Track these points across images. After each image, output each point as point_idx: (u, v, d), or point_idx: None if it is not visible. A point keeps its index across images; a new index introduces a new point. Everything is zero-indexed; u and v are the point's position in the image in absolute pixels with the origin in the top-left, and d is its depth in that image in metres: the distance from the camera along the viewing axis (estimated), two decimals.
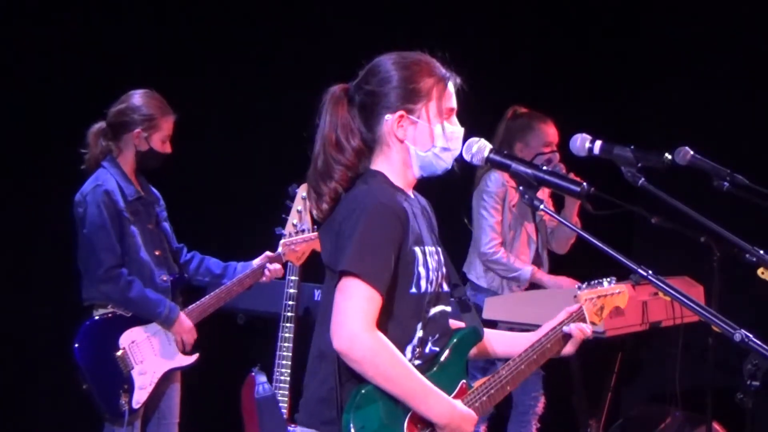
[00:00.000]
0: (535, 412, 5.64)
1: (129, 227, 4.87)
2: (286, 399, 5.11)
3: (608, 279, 3.37)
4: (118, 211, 4.84)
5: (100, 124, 4.97)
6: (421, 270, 2.88)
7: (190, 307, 5.00)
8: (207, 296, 5.04)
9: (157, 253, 4.96)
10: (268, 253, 5.12)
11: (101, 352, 4.83)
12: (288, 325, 5.11)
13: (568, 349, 3.21)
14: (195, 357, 5.03)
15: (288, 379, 5.09)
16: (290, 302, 5.14)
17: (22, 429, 6.07)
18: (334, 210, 2.89)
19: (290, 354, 5.08)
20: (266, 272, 5.08)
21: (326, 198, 2.90)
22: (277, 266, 5.11)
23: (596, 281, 3.36)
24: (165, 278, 4.96)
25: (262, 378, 5.17)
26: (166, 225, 5.12)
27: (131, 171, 4.98)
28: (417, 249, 2.87)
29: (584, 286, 3.33)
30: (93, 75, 6.05)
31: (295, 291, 5.18)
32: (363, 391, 2.79)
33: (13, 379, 5.97)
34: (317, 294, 5.67)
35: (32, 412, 6.09)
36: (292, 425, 5.02)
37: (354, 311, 2.74)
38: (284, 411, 5.11)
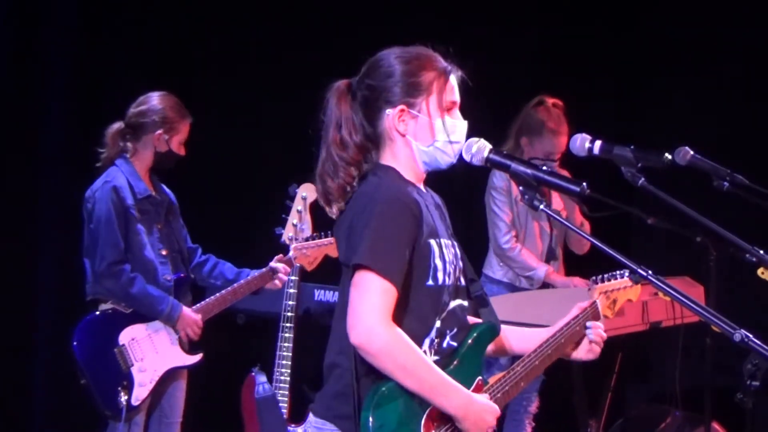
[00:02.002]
0: (528, 412, 5.64)
1: (135, 225, 4.90)
2: (286, 399, 5.11)
3: (620, 272, 3.37)
4: (125, 208, 4.88)
5: (119, 125, 5.02)
6: (438, 262, 2.88)
7: (195, 306, 5.02)
8: (213, 296, 5.05)
9: (163, 252, 4.99)
10: (279, 256, 5.13)
11: (100, 347, 4.84)
12: (288, 325, 5.11)
13: (581, 354, 3.17)
14: (199, 356, 5.03)
15: (288, 379, 5.09)
16: (290, 302, 5.14)
17: (23, 428, 6.07)
18: (345, 207, 2.90)
19: (290, 354, 5.08)
20: (275, 281, 5.08)
21: (334, 196, 2.91)
22: (287, 269, 5.11)
23: (609, 275, 3.36)
24: (169, 278, 4.97)
25: (262, 378, 5.17)
26: (178, 225, 5.14)
27: (145, 170, 5.02)
28: (432, 241, 2.87)
29: (599, 279, 3.34)
30: (91, 76, 6.06)
31: (295, 291, 5.17)
32: (382, 389, 2.78)
33: (16, 376, 5.97)
34: (317, 294, 5.67)
35: (35, 408, 6.09)
36: (292, 425, 5.03)
37: (370, 305, 2.74)
38: (284, 411, 5.11)
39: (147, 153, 5.00)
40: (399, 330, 2.77)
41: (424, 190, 3.00)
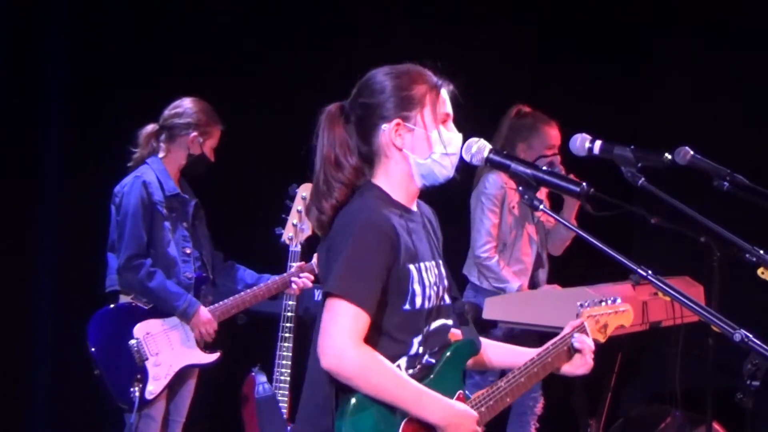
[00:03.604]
0: (534, 412, 5.63)
1: (162, 221, 4.97)
2: (286, 399, 5.11)
3: (611, 298, 3.36)
4: (153, 203, 4.94)
5: (153, 126, 5.09)
6: (417, 287, 2.87)
7: (213, 306, 5.04)
8: (231, 298, 5.07)
9: (187, 251, 5.03)
10: (301, 263, 5.15)
11: (114, 340, 4.88)
12: (288, 325, 5.11)
13: (572, 369, 3.21)
14: (216, 355, 5.05)
15: (288, 379, 5.09)
16: (290, 302, 5.15)
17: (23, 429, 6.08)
18: None
19: (290, 354, 5.09)
20: (293, 285, 5.10)
21: (326, 216, 2.90)
22: (309, 276, 5.13)
23: (600, 299, 3.34)
24: (190, 275, 5.01)
25: (262, 378, 5.18)
26: (204, 229, 5.17)
27: (176, 171, 5.09)
28: (411, 266, 2.86)
29: (587, 303, 3.32)
30: (90, 81, 6.07)
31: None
32: (355, 399, 2.78)
33: (16, 378, 5.97)
34: (317, 294, 5.66)
35: (35, 410, 6.10)
36: (292, 425, 5.03)
37: (339, 330, 2.74)
38: (284, 411, 5.12)
39: (180, 154, 5.09)
40: (370, 350, 2.77)
41: (414, 208, 2.98)
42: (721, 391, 4.49)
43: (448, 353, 2.96)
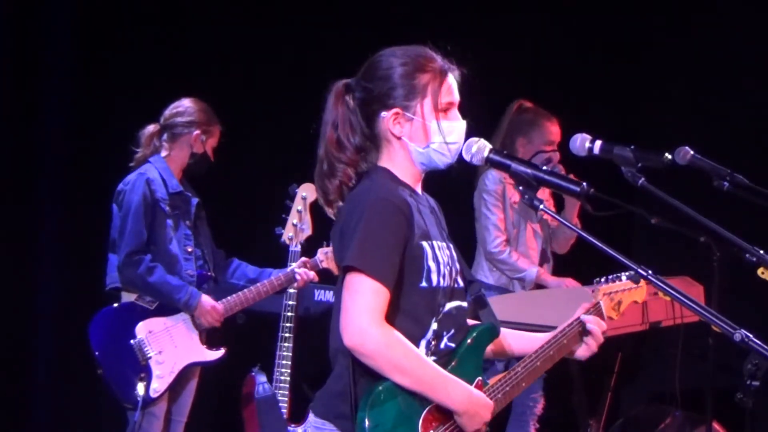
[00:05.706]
0: (533, 413, 5.63)
1: (164, 219, 4.98)
2: (286, 399, 5.11)
3: (626, 273, 3.34)
4: (155, 200, 4.96)
5: (155, 126, 5.11)
6: (431, 264, 2.86)
7: (217, 303, 5.03)
8: (234, 295, 5.07)
9: (189, 249, 5.04)
10: (304, 258, 5.15)
11: (116, 339, 4.89)
12: (288, 325, 5.11)
13: (584, 352, 3.14)
14: (221, 352, 5.05)
15: (288, 379, 5.09)
16: (290, 302, 5.15)
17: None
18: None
19: (290, 354, 5.09)
20: (297, 277, 5.10)
21: (332, 197, 2.92)
22: (311, 272, 5.14)
23: (614, 276, 3.34)
24: (191, 273, 5.02)
25: (262, 378, 5.18)
26: (205, 227, 5.18)
27: (178, 169, 5.11)
28: (425, 243, 2.86)
29: (602, 280, 3.32)
30: (89, 79, 6.07)
31: (295, 291, 5.18)
32: (378, 389, 2.77)
33: (16, 380, 5.98)
34: (317, 294, 5.68)
35: (35, 409, 6.10)
36: (292, 425, 5.03)
37: (361, 307, 2.73)
38: (284, 411, 5.11)
39: (182, 153, 5.11)
40: (392, 329, 2.76)
41: (419, 192, 3.00)
42: (721, 391, 4.49)
43: (470, 338, 2.96)
